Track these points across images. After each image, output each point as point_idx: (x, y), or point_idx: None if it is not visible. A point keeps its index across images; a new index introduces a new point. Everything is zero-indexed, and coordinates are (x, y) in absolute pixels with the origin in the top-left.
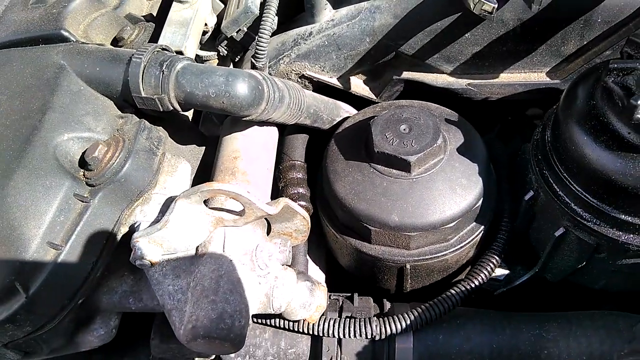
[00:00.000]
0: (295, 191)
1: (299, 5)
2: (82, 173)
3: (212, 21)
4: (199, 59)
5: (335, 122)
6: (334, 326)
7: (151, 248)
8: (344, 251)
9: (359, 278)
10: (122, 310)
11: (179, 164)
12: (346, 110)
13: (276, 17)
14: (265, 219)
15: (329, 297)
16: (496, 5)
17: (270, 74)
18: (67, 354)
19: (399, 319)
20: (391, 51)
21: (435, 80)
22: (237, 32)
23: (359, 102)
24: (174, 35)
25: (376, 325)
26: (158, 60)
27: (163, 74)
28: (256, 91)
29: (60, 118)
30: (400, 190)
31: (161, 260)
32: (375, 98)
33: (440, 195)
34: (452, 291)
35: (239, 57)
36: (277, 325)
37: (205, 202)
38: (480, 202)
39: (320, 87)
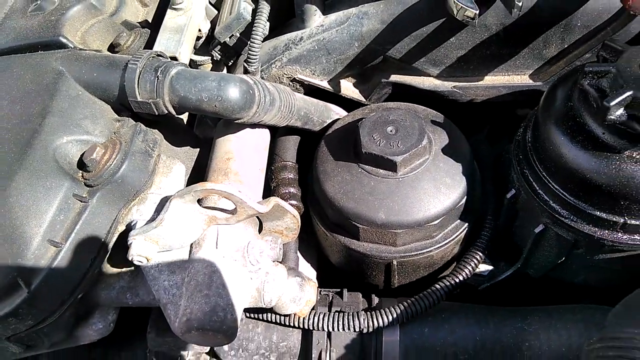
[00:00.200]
0: (287, 191)
1: (290, 11)
2: (81, 174)
3: (205, 27)
4: (193, 63)
5: (326, 124)
6: (323, 320)
7: (147, 245)
8: (333, 248)
9: (348, 274)
10: (119, 305)
11: (173, 165)
12: (336, 112)
13: (268, 23)
14: (257, 217)
15: (320, 293)
16: (478, 12)
17: (262, 77)
18: (69, 347)
19: (385, 312)
20: (379, 55)
21: (422, 83)
22: (230, 37)
23: (349, 105)
24: (169, 42)
25: (364, 319)
26: (153, 66)
27: (158, 79)
28: (247, 95)
29: (60, 122)
30: (387, 190)
31: (157, 257)
32: (364, 100)
33: (425, 194)
34: (437, 286)
35: (232, 61)
36: (269, 319)
37: (199, 201)
38: (464, 200)
39: (312, 90)
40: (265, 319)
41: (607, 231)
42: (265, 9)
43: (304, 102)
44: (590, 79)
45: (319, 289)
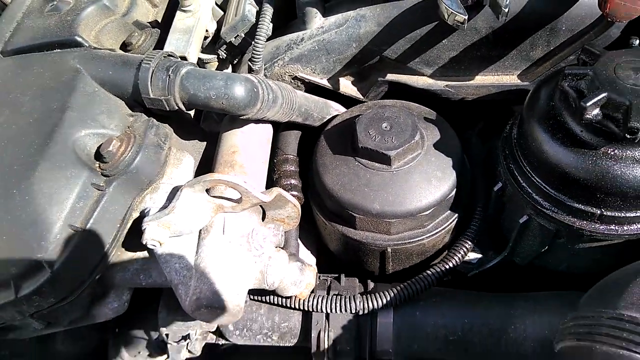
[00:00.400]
0: (288, 182)
1: (292, 13)
2: (98, 165)
3: (212, 27)
4: (200, 61)
5: (325, 120)
6: (322, 302)
7: (160, 231)
8: (332, 237)
9: (346, 261)
10: (133, 286)
11: (183, 157)
12: (336, 108)
13: (271, 24)
14: (261, 206)
15: (319, 278)
16: (466, 17)
17: (265, 75)
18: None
19: (380, 296)
20: (376, 55)
21: (416, 82)
22: (235, 37)
23: (348, 101)
24: (178, 42)
25: (360, 302)
26: (165, 65)
27: (169, 77)
28: (252, 93)
29: (78, 116)
30: (382, 182)
31: (168, 241)
32: (362, 98)
33: (417, 186)
34: (429, 272)
35: (237, 59)
36: (272, 302)
37: (207, 190)
38: (454, 192)
39: (312, 88)
40: (268, 301)
41: (585, 222)
42: (268, 11)
43: (304, 99)
44: (570, 81)
45: (319, 275)
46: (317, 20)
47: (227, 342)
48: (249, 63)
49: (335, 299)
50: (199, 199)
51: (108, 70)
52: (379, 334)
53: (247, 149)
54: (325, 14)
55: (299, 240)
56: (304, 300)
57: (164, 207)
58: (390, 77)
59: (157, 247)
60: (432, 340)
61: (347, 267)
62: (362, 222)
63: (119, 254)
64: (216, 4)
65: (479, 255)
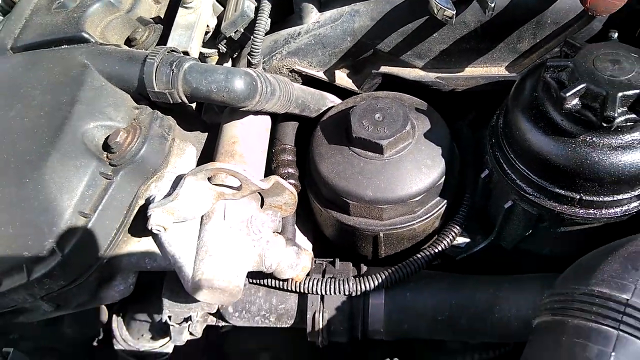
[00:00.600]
0: (286, 171)
1: (289, 8)
2: (106, 155)
3: (212, 23)
4: (201, 55)
5: (321, 111)
6: (317, 284)
7: (164, 217)
8: (327, 222)
9: (340, 246)
10: (139, 269)
11: (186, 147)
12: (331, 100)
13: (269, 19)
14: (259, 193)
15: (315, 262)
16: (455, 12)
17: (264, 69)
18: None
19: (372, 278)
20: (369, 49)
21: (409, 74)
22: (235, 32)
23: (343, 93)
24: (181, 38)
25: (353, 284)
26: (168, 60)
27: (173, 72)
28: (251, 86)
29: (87, 109)
30: (374, 170)
31: (172, 227)
32: (357, 89)
33: (408, 174)
34: (419, 255)
35: (236, 53)
36: (269, 284)
37: (209, 179)
38: (443, 180)
39: (309, 80)
40: (266, 284)
41: (565, 206)
42: (266, 6)
43: (301, 91)
44: (552, 72)
45: (314, 259)
46: (313, 15)
47: (226, 325)
48: (248, 57)
49: (330, 282)
50: (201, 187)
51: (114, 65)
52: (371, 315)
53: (247, 139)
54: (321, 9)
55: (295, 226)
56: (300, 283)
57: (168, 194)
58: (384, 69)
59: (162, 232)
60: (421, 320)
61: (341, 251)
62: (356, 209)
63: (125, 239)
64: (216, 0)
65: (467, 240)
